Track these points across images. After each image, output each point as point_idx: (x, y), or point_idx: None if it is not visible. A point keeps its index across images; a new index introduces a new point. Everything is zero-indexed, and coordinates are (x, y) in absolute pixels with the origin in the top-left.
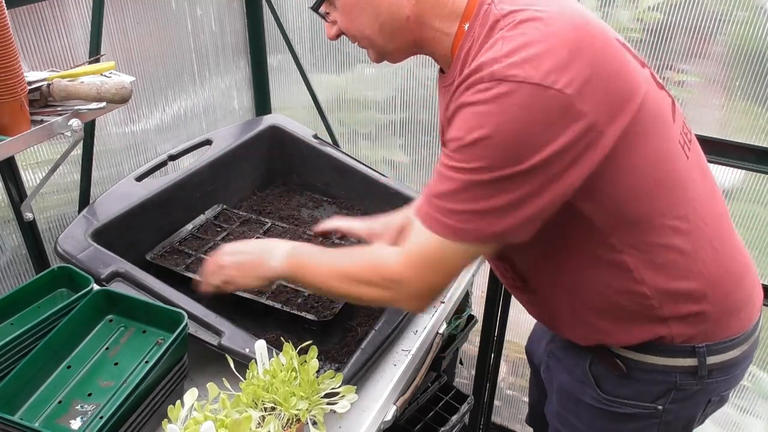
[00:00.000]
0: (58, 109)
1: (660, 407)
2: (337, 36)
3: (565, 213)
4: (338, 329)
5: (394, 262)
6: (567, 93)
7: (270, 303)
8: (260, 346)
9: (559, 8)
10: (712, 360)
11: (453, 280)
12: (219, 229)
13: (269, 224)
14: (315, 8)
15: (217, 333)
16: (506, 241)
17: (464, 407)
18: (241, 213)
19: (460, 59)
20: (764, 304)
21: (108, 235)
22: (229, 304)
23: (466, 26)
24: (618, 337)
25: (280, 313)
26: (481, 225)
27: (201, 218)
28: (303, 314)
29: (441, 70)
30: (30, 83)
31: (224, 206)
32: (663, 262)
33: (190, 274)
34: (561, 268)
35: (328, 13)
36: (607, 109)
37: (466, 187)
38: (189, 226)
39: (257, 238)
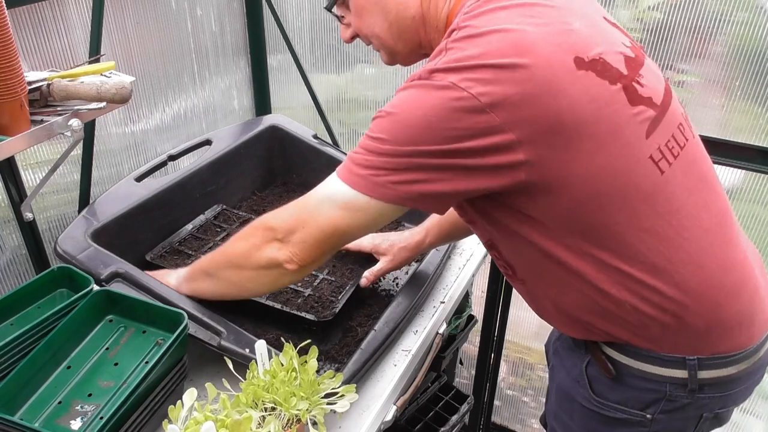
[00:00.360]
0: (58, 109)
1: (649, 416)
2: (352, 38)
3: (514, 212)
4: (338, 329)
5: (270, 213)
6: (481, 101)
7: (270, 303)
8: (260, 346)
9: (512, 25)
10: (703, 374)
11: (343, 242)
12: (219, 230)
13: None
14: (329, 8)
15: (217, 333)
16: (405, 205)
17: (464, 407)
18: (240, 213)
19: None
20: None
21: (108, 236)
22: (230, 304)
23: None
24: (603, 335)
25: (279, 314)
26: (386, 181)
27: (201, 218)
28: (303, 314)
29: None
30: (30, 83)
31: (224, 206)
32: (633, 272)
33: None
34: (538, 261)
35: (343, 16)
36: (526, 128)
37: (372, 150)
38: (189, 227)
39: None
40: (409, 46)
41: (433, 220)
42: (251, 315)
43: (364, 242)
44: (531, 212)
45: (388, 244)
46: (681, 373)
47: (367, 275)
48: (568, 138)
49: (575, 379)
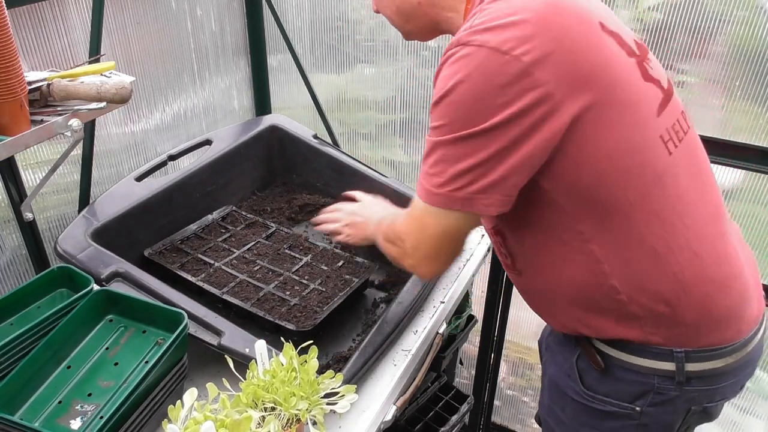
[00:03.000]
0: (58, 109)
1: (638, 408)
2: (377, 11)
3: (534, 192)
4: (337, 329)
5: (401, 221)
6: (523, 60)
7: (254, 310)
8: (260, 346)
9: None
10: (691, 367)
11: (454, 245)
12: (223, 230)
13: (274, 228)
14: None
15: (217, 333)
16: (476, 210)
17: (464, 407)
18: (248, 216)
19: None
20: None
21: (108, 235)
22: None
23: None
24: (592, 329)
25: (263, 321)
26: (448, 190)
27: (208, 218)
28: (283, 323)
29: None
30: (30, 83)
31: (233, 208)
32: (633, 257)
33: (183, 273)
34: (538, 250)
35: None
36: (567, 83)
37: (433, 148)
38: (193, 226)
39: (259, 242)
40: (420, 26)
41: None
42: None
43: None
44: (554, 193)
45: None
46: (668, 366)
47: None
48: (602, 97)
49: (566, 373)
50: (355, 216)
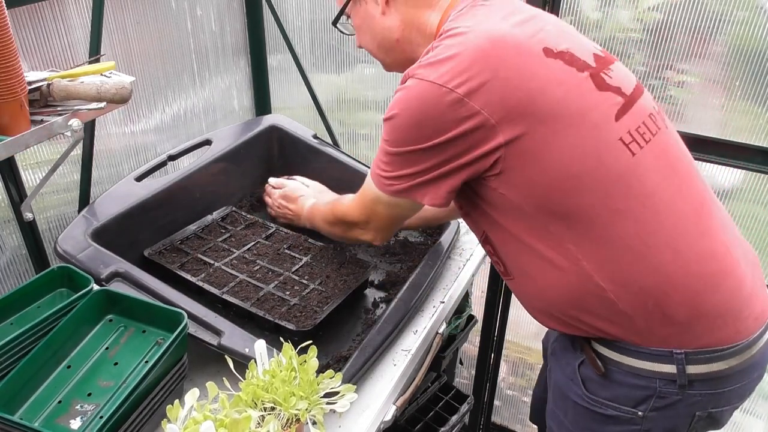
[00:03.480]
0: (58, 109)
1: (640, 413)
2: (361, 46)
3: (502, 201)
4: (337, 329)
5: (347, 205)
6: (458, 92)
7: (254, 310)
8: (260, 346)
9: (486, 24)
10: (692, 369)
11: (400, 220)
12: (223, 230)
13: (273, 229)
14: (334, 23)
15: (217, 333)
16: (412, 199)
17: (464, 407)
18: (248, 216)
19: None
20: None
21: (108, 235)
22: (221, 307)
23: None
24: (590, 329)
25: (263, 320)
26: (392, 183)
27: (208, 218)
28: (283, 323)
29: None
30: (30, 83)
31: (233, 208)
32: (610, 256)
33: (183, 273)
34: (522, 255)
35: (350, 20)
36: (502, 109)
37: (384, 151)
38: (193, 226)
39: (259, 242)
40: (398, 60)
41: None
42: (236, 321)
43: (291, 183)
44: (517, 201)
45: (312, 185)
46: (669, 368)
47: (271, 181)
48: (541, 118)
49: (569, 377)
50: (287, 201)
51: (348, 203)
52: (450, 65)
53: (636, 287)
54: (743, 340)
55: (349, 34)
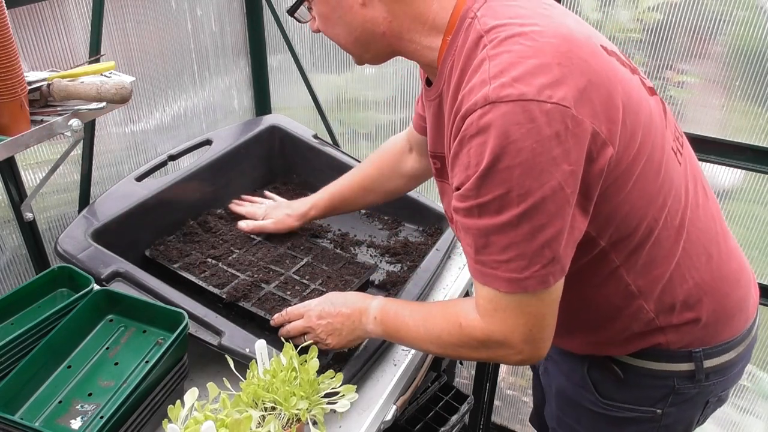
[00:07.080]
0: (58, 109)
1: (659, 411)
2: (318, 30)
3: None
4: None
5: (478, 325)
6: (565, 105)
7: (254, 310)
8: (260, 346)
9: (543, 20)
10: (709, 363)
11: (554, 316)
12: (223, 231)
13: None
14: (290, 12)
15: (217, 333)
16: (557, 276)
17: (464, 407)
18: None
19: (444, 74)
20: (762, 303)
21: (108, 235)
22: (222, 307)
23: (450, 39)
24: (613, 350)
25: (262, 320)
26: (535, 270)
27: (208, 218)
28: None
29: (427, 82)
30: (30, 83)
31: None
32: (659, 273)
33: (183, 273)
34: (568, 279)
35: (310, 8)
36: (605, 117)
37: (495, 231)
38: (193, 226)
39: (260, 242)
40: (380, 53)
41: (324, 194)
42: (237, 321)
43: (259, 209)
44: (592, 229)
45: (276, 207)
46: (688, 366)
47: (243, 225)
48: (624, 124)
49: (578, 384)
50: (328, 319)
51: (483, 319)
52: (543, 77)
53: (678, 300)
54: (747, 327)
55: (304, 22)
